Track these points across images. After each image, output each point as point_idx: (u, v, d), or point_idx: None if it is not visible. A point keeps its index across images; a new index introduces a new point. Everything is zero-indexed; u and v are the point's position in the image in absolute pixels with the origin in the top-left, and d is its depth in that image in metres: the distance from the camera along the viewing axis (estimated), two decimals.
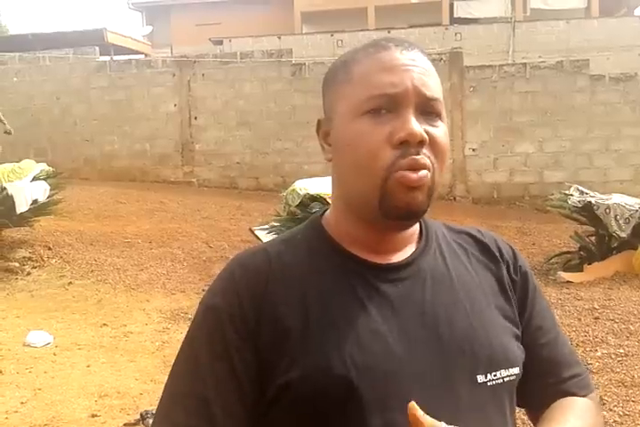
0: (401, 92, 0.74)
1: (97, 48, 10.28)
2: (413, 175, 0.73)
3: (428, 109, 0.75)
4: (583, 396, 0.86)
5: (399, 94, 0.74)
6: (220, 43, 13.81)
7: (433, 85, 0.76)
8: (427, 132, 0.74)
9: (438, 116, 0.76)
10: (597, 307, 4.47)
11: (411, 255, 0.81)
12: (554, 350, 0.87)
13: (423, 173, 0.73)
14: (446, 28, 13.62)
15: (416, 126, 0.73)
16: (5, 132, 8.86)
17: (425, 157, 0.73)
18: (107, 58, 10.78)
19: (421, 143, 0.73)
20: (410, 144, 0.73)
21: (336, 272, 0.78)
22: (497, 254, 0.87)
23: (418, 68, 0.75)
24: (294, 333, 0.73)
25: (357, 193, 0.77)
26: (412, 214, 0.76)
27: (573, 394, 0.85)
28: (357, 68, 0.77)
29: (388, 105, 0.74)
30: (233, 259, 0.82)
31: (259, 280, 0.77)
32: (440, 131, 0.76)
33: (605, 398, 3.11)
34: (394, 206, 0.74)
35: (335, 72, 0.81)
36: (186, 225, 7.16)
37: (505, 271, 0.85)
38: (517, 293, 0.85)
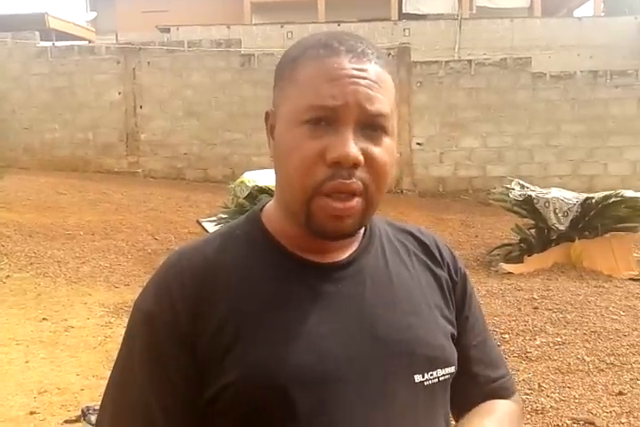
0: (341, 105, 0.69)
1: (37, 33, 9.89)
2: (339, 205, 0.70)
3: (372, 125, 0.71)
4: (507, 396, 0.88)
5: (339, 108, 0.69)
6: (167, 31, 13.55)
7: (380, 99, 0.71)
8: (365, 152, 0.70)
9: (384, 131, 0.72)
10: (537, 297, 4.63)
11: (352, 254, 0.79)
12: (484, 351, 0.89)
13: (352, 203, 0.71)
14: (395, 24, 13.78)
15: (352, 148, 0.69)
16: None
17: (358, 179, 0.70)
18: (48, 43, 10.39)
19: (355, 165, 0.70)
20: (342, 166, 0.69)
21: (274, 271, 0.76)
22: (437, 255, 0.87)
23: (365, 81, 0.71)
24: (230, 334, 0.72)
25: (288, 203, 0.75)
26: (339, 237, 0.75)
27: (499, 395, 0.88)
28: (303, 71, 0.72)
29: (328, 118, 0.70)
30: (167, 258, 0.80)
31: (193, 281, 0.74)
32: (381, 149, 0.72)
33: (543, 384, 3.23)
34: (319, 229, 0.73)
35: (284, 66, 0.76)
36: (130, 217, 7.00)
37: (445, 272, 0.86)
38: (457, 294, 0.86)
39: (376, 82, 0.71)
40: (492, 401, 0.86)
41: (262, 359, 0.70)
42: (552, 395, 3.12)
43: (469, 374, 0.85)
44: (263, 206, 0.83)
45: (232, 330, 0.72)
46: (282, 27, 13.49)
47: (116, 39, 14.20)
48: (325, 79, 0.70)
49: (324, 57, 0.71)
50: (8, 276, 5.09)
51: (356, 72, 0.70)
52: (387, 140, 0.73)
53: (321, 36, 0.75)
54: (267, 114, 0.79)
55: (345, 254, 0.79)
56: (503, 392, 0.88)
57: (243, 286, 0.75)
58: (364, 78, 0.70)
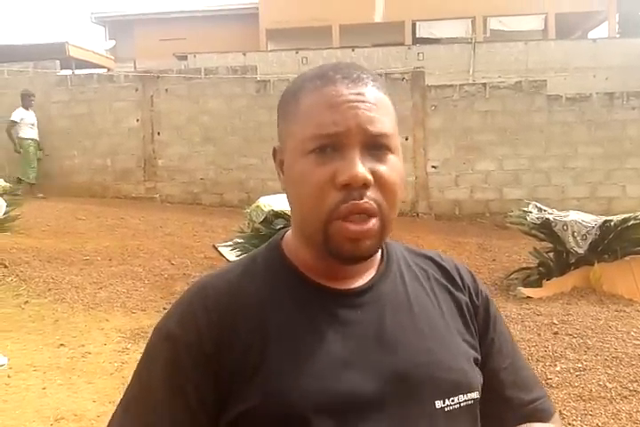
0: (343, 131, 0.72)
1: (58, 62, 10.12)
2: (356, 228, 0.72)
3: (376, 146, 0.73)
4: (545, 418, 0.86)
5: (342, 134, 0.72)
6: (185, 58, 13.78)
7: (381, 120, 0.74)
8: (373, 172, 0.72)
9: (388, 150, 0.74)
10: (556, 322, 4.55)
11: (370, 280, 0.80)
12: (516, 374, 0.87)
13: (368, 225, 0.72)
14: (409, 48, 13.87)
15: (360, 169, 0.71)
16: (16, 151, 8.92)
17: (369, 200, 0.72)
18: (68, 72, 10.62)
19: (365, 186, 0.71)
20: (353, 187, 0.71)
21: (295, 299, 0.77)
22: (457, 279, 0.87)
23: (364, 104, 0.73)
24: (252, 361, 0.72)
25: (305, 230, 0.77)
26: (358, 260, 0.76)
27: (536, 417, 0.85)
28: (303, 103, 0.75)
29: (333, 144, 0.72)
30: (191, 286, 0.81)
31: (218, 307, 0.75)
32: (388, 168, 0.74)
33: (565, 412, 3.15)
34: (338, 252, 0.74)
35: (286, 102, 0.79)
36: (147, 242, 7.04)
37: (466, 296, 0.86)
38: (480, 318, 0.85)
39: (374, 104, 0.74)
40: (529, 424, 0.84)
41: (282, 387, 0.71)
42: (574, 423, 3.05)
43: (502, 397, 0.84)
44: (284, 235, 0.84)
45: (254, 357, 0.72)
46: (297, 53, 13.66)
47: (135, 67, 14.48)
48: (325, 107, 0.73)
49: (321, 87, 0.74)
50: (26, 301, 5.13)
51: (353, 97, 0.73)
52: (392, 158, 0.74)
53: (317, 68, 0.79)
54: (274, 150, 0.82)
55: (363, 281, 0.79)
56: (540, 414, 0.86)
57: (264, 312, 0.75)
58: (363, 102, 0.73)
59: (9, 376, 3.69)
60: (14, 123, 9.08)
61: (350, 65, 0.78)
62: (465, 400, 0.76)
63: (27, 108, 9.19)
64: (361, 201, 0.71)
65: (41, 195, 9.05)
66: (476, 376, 0.79)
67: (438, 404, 0.74)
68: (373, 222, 0.72)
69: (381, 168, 0.73)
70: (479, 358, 0.82)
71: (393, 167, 0.74)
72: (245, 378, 0.71)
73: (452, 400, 0.75)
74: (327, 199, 0.72)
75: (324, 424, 0.70)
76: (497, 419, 0.83)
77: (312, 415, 0.70)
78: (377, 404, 0.72)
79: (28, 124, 9.16)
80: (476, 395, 0.78)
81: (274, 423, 0.70)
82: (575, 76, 12.46)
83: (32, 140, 9.22)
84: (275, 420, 0.70)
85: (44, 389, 3.54)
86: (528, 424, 0.84)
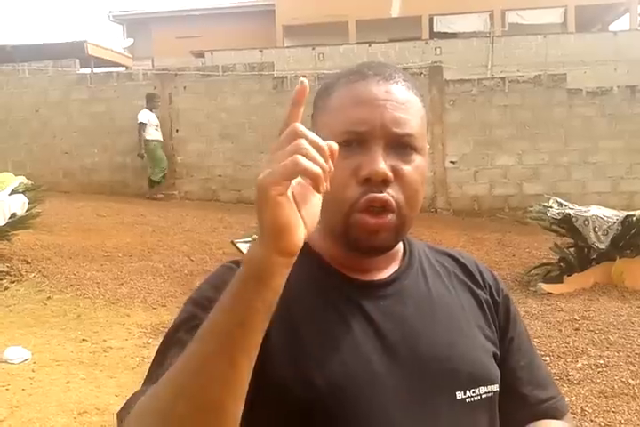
0: (369, 130, 0.74)
1: (77, 60, 10.21)
2: (372, 220, 0.74)
3: (400, 145, 0.75)
4: (559, 417, 0.88)
5: (367, 132, 0.74)
6: (202, 55, 13.83)
7: (407, 120, 0.75)
8: (394, 169, 0.74)
9: (414, 149, 0.76)
10: (577, 318, 4.51)
11: (393, 274, 0.82)
12: (532, 372, 0.89)
13: (385, 219, 0.74)
14: (426, 43, 13.78)
15: (380, 165, 0.73)
16: (138, 155, 9.01)
17: (388, 195, 0.74)
18: (87, 70, 10.71)
19: (385, 182, 0.73)
20: (373, 183, 0.73)
21: (319, 288, 0.79)
22: (478, 277, 0.89)
23: (391, 103, 0.75)
24: (277, 346, 0.73)
25: (327, 221, 0.78)
26: (376, 252, 0.78)
27: (550, 416, 0.87)
28: (334, 98, 0.78)
29: (358, 140, 0.75)
30: (223, 264, 0.84)
31: None
32: (411, 167, 0.76)
33: (587, 408, 3.13)
34: (357, 243, 0.76)
35: (320, 96, 0.82)
36: (167, 238, 7.10)
37: (487, 294, 0.87)
38: (500, 315, 0.87)
39: (403, 103, 0.76)
40: (544, 421, 0.85)
41: (304, 373, 0.72)
42: (596, 419, 3.02)
43: (518, 395, 0.86)
44: None
45: (281, 342, 0.73)
46: (313, 49, 13.64)
47: (153, 65, 14.56)
48: (354, 103, 0.75)
49: (352, 82, 0.77)
50: (49, 297, 5.20)
51: (382, 95, 0.75)
52: (417, 159, 0.76)
53: (355, 65, 0.82)
54: None
55: (386, 274, 0.81)
56: (554, 413, 0.87)
57: (290, 300, 0.75)
58: (390, 100, 0.75)
59: (33, 371, 3.75)
60: (143, 124, 9.08)
61: (385, 64, 0.81)
62: (486, 392, 0.78)
63: (151, 110, 9.23)
64: (380, 195, 0.73)
65: (160, 195, 9.22)
66: (496, 370, 0.81)
67: (459, 395, 0.76)
68: (390, 217, 0.74)
69: (404, 167, 0.75)
70: (498, 353, 0.83)
71: (416, 167, 0.76)
72: (270, 359, 0.71)
73: (474, 392, 0.77)
74: (349, 192, 0.74)
75: (347, 412, 0.71)
76: (512, 415, 0.85)
77: (334, 403, 0.71)
78: (400, 393, 0.73)
79: (152, 126, 9.19)
80: (496, 387, 0.79)
81: (299, 404, 0.71)
82: (596, 70, 12.28)
83: (157, 141, 9.25)
84: (299, 401, 0.71)
85: (67, 383, 3.59)
86: (542, 421, 0.85)
